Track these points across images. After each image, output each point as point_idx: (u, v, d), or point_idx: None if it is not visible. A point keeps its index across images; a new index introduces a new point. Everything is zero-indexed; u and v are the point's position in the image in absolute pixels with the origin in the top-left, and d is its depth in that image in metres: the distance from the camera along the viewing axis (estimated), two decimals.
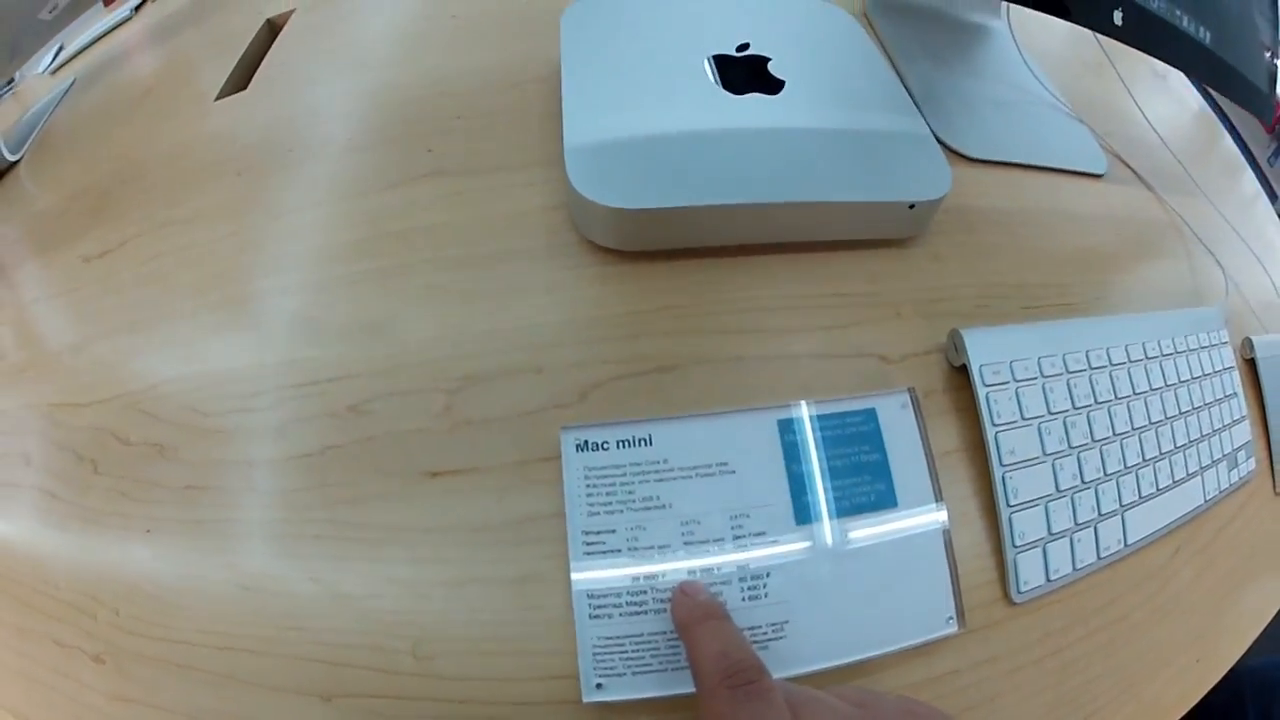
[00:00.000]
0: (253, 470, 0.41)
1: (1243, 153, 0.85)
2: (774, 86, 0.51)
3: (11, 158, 0.95)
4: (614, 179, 0.43)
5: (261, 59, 0.73)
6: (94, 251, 0.59)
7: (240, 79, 0.72)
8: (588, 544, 0.36)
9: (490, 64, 0.58)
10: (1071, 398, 0.45)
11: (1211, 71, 0.61)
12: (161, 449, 0.44)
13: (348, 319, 0.45)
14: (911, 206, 0.47)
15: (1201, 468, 0.50)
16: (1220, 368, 0.55)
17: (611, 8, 0.55)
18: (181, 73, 0.81)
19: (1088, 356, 0.47)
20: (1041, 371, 0.45)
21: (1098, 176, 0.63)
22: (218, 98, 0.69)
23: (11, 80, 1.25)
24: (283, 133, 0.59)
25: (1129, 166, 0.66)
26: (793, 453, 0.38)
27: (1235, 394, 0.55)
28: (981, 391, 0.42)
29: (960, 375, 0.44)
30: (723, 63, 0.52)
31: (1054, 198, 0.59)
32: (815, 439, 0.39)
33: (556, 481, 0.38)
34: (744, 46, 0.54)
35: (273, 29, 0.79)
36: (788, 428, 0.39)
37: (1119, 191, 0.63)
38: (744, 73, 0.52)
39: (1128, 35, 0.54)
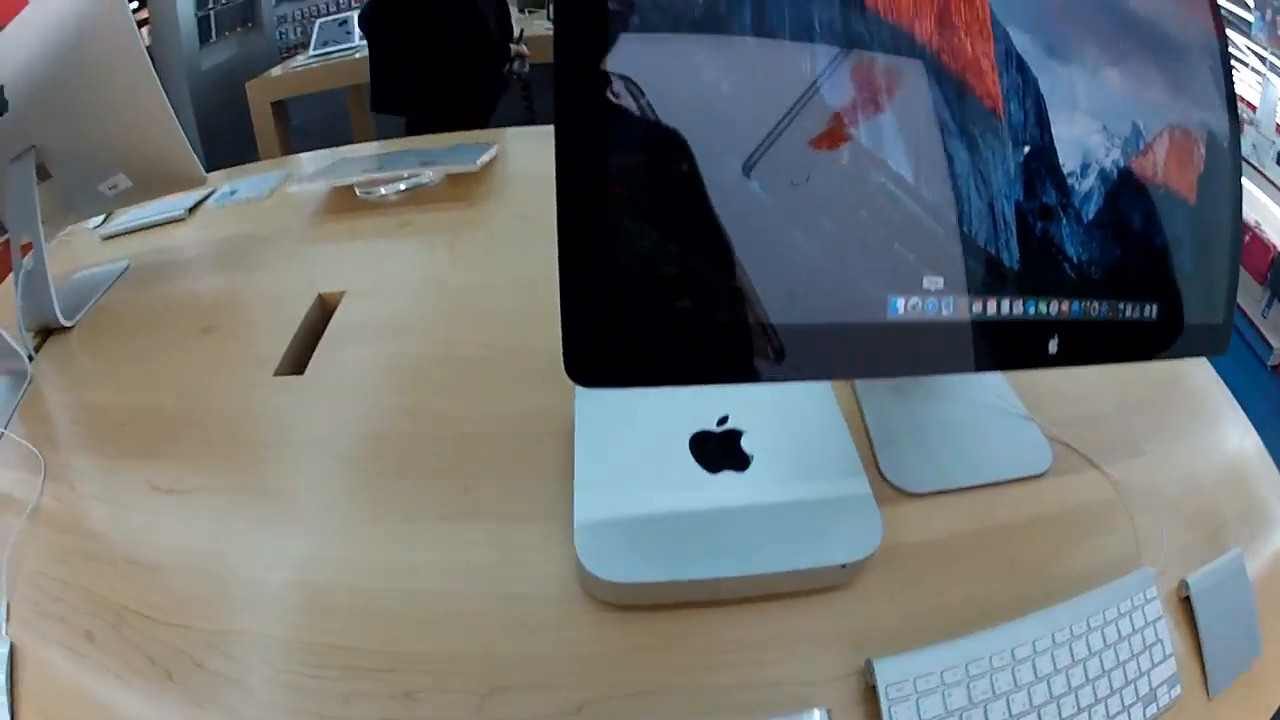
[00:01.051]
0: None
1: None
2: (743, 463, 0.65)
3: (66, 323, 1.10)
4: (614, 557, 0.57)
5: (315, 338, 0.89)
6: (163, 484, 0.73)
7: (296, 358, 0.87)
8: None
9: (517, 411, 0.73)
10: (969, 696, 0.54)
11: (1159, 342, 0.69)
12: (239, 683, 0.55)
13: (405, 625, 0.58)
14: (843, 566, 0.59)
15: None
16: (1146, 622, 0.62)
17: None
18: (242, 327, 0.97)
19: (990, 659, 0.56)
20: (942, 680, 0.54)
21: (1039, 476, 0.74)
22: (276, 373, 0.84)
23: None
24: (338, 436, 0.75)
25: (1076, 451, 0.76)
26: None
27: (1159, 641, 0.62)
28: (885, 704, 0.52)
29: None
30: (702, 440, 0.66)
31: (990, 514, 0.69)
32: None
33: None
34: (724, 420, 0.68)
35: (324, 305, 0.95)
36: None
37: (1056, 485, 0.73)
38: (719, 450, 0.66)
39: (1064, 358, 0.63)
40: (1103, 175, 0.61)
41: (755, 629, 0.59)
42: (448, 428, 0.75)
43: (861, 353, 0.54)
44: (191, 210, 1.42)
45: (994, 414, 0.78)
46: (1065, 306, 0.60)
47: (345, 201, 1.28)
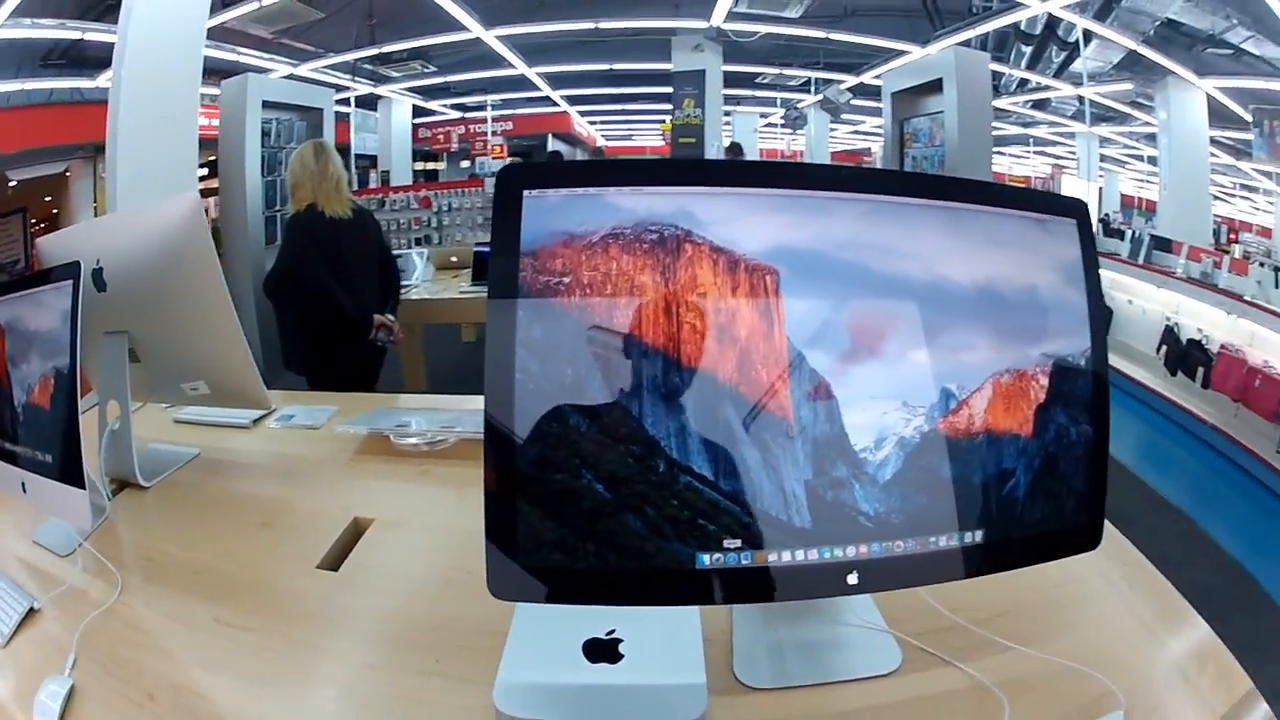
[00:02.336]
0: None
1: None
2: (616, 659, 0.84)
3: (144, 483, 1.47)
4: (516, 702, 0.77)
5: (349, 549, 1.21)
6: (224, 619, 1.04)
7: (333, 560, 1.18)
8: None
9: (481, 615, 0.94)
10: None
11: (995, 558, 0.84)
12: None
13: None
14: None
15: None
16: None
17: None
18: (293, 529, 1.32)
19: None
20: None
21: (886, 675, 0.88)
22: (318, 566, 1.16)
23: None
24: (360, 621, 1.05)
25: (929, 652, 0.91)
26: None
27: None
28: None
29: None
30: (592, 643, 0.84)
31: (829, 703, 0.85)
32: None
33: None
34: (611, 631, 0.86)
35: (358, 526, 1.30)
36: None
37: (904, 682, 0.88)
38: (602, 649, 0.84)
39: (866, 586, 0.80)
40: (901, 443, 0.77)
41: None
42: (430, 621, 1.02)
43: (684, 589, 0.76)
44: (255, 422, 1.82)
45: (851, 629, 0.93)
46: (864, 549, 0.78)
47: (381, 445, 1.64)
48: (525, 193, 0.74)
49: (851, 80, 9.52)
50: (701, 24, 7.94)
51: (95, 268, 1.42)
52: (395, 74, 10.30)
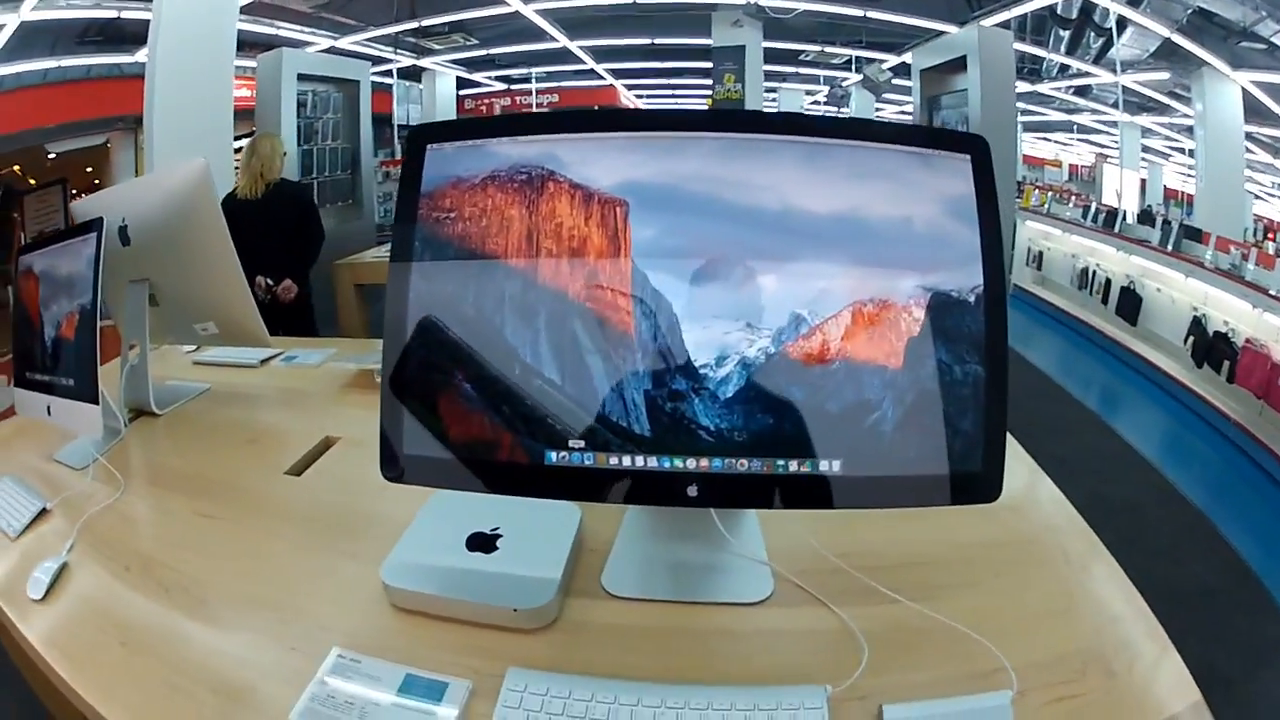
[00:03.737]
0: None
1: None
2: (491, 550, 0.98)
3: (157, 411, 1.70)
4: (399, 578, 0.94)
5: (314, 460, 1.44)
6: (203, 511, 1.22)
7: (300, 467, 1.39)
8: None
9: (408, 513, 1.08)
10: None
11: (862, 492, 0.83)
12: (203, 604, 1.00)
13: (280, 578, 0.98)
14: (515, 610, 0.88)
15: None
16: None
17: None
18: (273, 444, 1.53)
19: (639, 701, 0.77)
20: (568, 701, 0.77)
21: (755, 604, 0.92)
22: (285, 472, 1.38)
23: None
24: (306, 514, 1.24)
25: (804, 588, 0.94)
26: None
27: None
28: (501, 705, 0.77)
29: None
30: (475, 536, 1.00)
31: (689, 620, 0.91)
32: None
33: None
34: (495, 529, 1.01)
35: (327, 442, 1.52)
36: None
37: (772, 613, 0.92)
38: (481, 541, 1.00)
39: (706, 501, 0.84)
40: (744, 362, 0.83)
41: (467, 636, 0.90)
42: (362, 517, 1.18)
43: (536, 482, 0.86)
44: (262, 362, 2.11)
45: (731, 558, 0.97)
46: (705, 463, 0.84)
47: (366, 379, 1.87)
48: (428, 146, 0.89)
49: (893, 60, 9.42)
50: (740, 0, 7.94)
51: (120, 225, 1.65)
52: (437, 46, 10.43)
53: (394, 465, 0.88)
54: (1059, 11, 7.14)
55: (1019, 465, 1.30)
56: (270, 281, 3.56)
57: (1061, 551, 1.05)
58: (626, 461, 0.84)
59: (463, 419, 0.85)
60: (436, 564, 0.96)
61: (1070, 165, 15.33)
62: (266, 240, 3.50)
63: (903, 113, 15.44)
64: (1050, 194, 9.74)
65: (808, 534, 1.03)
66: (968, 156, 0.85)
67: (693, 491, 0.84)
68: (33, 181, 9.13)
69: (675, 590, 0.95)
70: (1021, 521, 1.12)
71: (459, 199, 0.86)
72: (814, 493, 0.84)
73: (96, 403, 1.36)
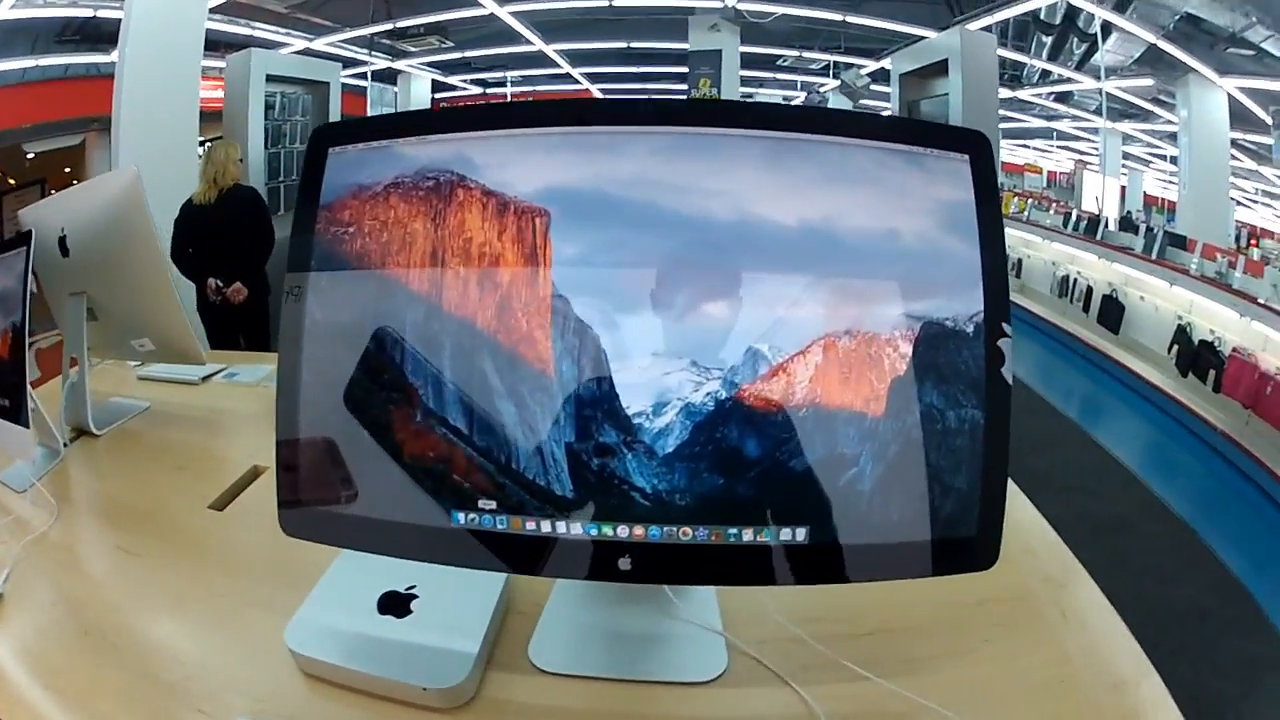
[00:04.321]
0: None
1: None
2: (404, 614, 0.84)
3: (96, 431, 1.61)
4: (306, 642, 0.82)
5: (239, 492, 1.33)
6: (125, 546, 1.16)
7: (225, 500, 1.31)
8: None
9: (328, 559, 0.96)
10: None
11: (824, 564, 0.69)
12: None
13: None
14: (424, 689, 0.75)
15: None
16: None
17: None
18: (202, 473, 1.43)
19: None
20: None
21: (705, 683, 0.78)
22: (209, 506, 1.28)
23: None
24: (226, 555, 1.15)
25: (764, 665, 0.80)
26: None
27: None
28: None
29: None
30: (388, 595, 0.86)
31: (627, 704, 0.77)
32: None
33: None
34: (411, 587, 0.87)
35: (255, 472, 1.40)
36: None
37: (724, 695, 0.78)
38: (395, 602, 0.85)
39: (641, 576, 0.70)
40: (688, 410, 0.68)
41: (378, 712, 0.78)
42: (278, 562, 1.05)
43: (440, 546, 0.72)
44: (204, 379, 2.04)
45: (680, 625, 0.83)
46: (639, 530, 0.69)
47: None
48: (330, 150, 0.74)
49: (871, 65, 9.34)
50: (718, 4, 7.83)
51: (60, 235, 1.60)
52: (412, 49, 10.25)
53: (291, 520, 0.76)
54: (1042, 17, 7.07)
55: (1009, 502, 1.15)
56: (220, 284, 3.63)
57: (1058, 608, 0.92)
58: (546, 527, 0.70)
59: (359, 468, 0.71)
60: (342, 628, 0.83)
61: (1049, 172, 15.33)
62: (219, 243, 3.61)
63: None
64: (1030, 201, 9.71)
65: (768, 596, 0.89)
66: (966, 156, 0.69)
67: (625, 564, 0.70)
68: (12, 181, 9.24)
69: (612, 666, 0.80)
70: (1013, 573, 0.98)
71: (359, 210, 0.72)
72: (773, 567, 0.69)
73: (28, 426, 1.31)
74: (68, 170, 9.50)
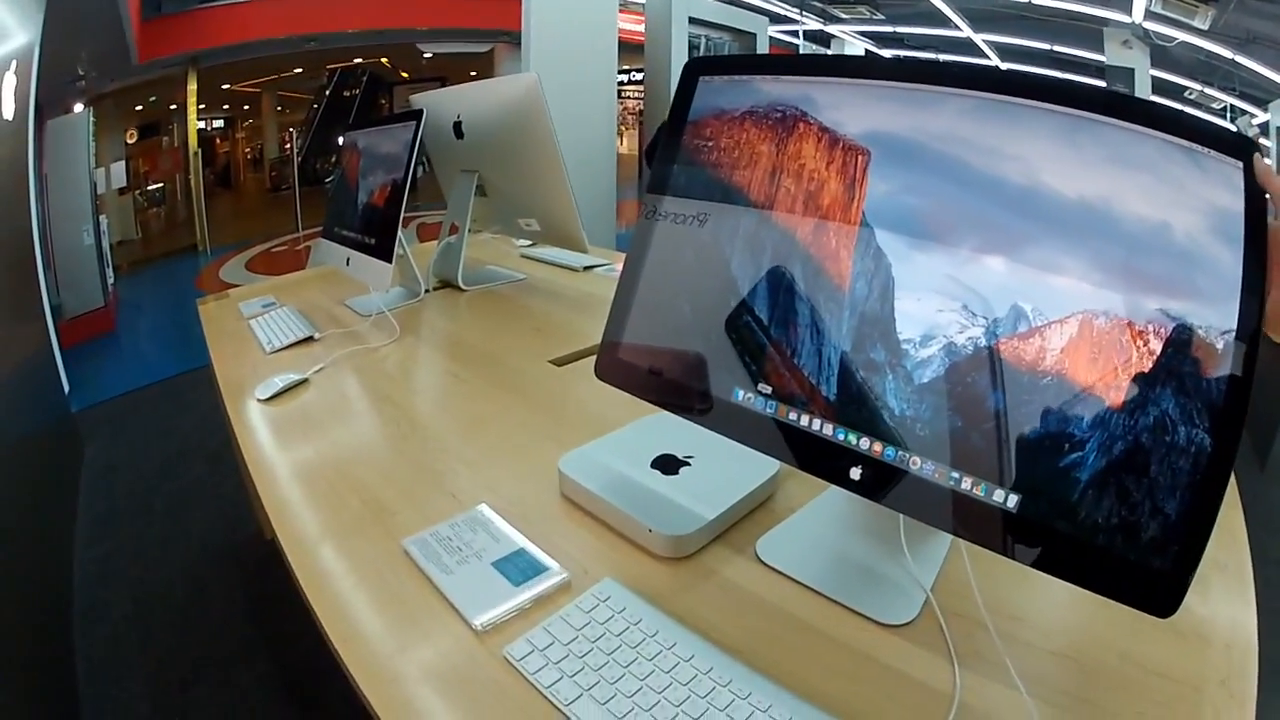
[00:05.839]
0: None
1: None
2: (674, 472, 1.02)
3: (463, 286, 1.95)
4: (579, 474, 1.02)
5: (580, 358, 1.52)
6: (453, 371, 1.42)
7: (567, 360, 1.51)
8: None
9: (625, 418, 1.17)
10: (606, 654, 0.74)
11: (1021, 539, 0.68)
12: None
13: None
14: (650, 530, 0.91)
15: None
16: None
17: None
18: (554, 337, 1.73)
19: (692, 662, 0.74)
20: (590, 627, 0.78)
21: (895, 626, 0.81)
22: (549, 361, 1.50)
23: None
24: (542, 401, 1.45)
25: (943, 632, 0.80)
26: None
27: None
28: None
29: None
30: (662, 457, 1.05)
31: (807, 614, 0.83)
32: None
33: None
34: (689, 455, 1.05)
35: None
36: None
37: (898, 646, 0.79)
38: (667, 462, 1.04)
39: (866, 490, 0.76)
40: (949, 348, 0.73)
41: (604, 540, 0.95)
42: (595, 410, 1.29)
43: (718, 415, 0.88)
44: (585, 269, 2.23)
45: (899, 572, 0.87)
46: (878, 446, 0.76)
47: None
48: (701, 78, 0.95)
49: (1262, 116, 8.09)
50: (1126, 18, 7.27)
51: (456, 120, 1.90)
52: (843, 15, 10.28)
53: (604, 368, 0.97)
54: None
55: (1229, 586, 0.89)
56: None
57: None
58: (804, 421, 0.82)
59: (674, 339, 0.91)
60: (612, 466, 1.02)
61: None
62: None
63: None
64: None
65: (981, 577, 0.85)
66: (1239, 164, 0.64)
67: (855, 474, 0.77)
68: (405, 75, 10.36)
69: (822, 580, 0.88)
70: (1198, 658, 0.78)
71: (719, 129, 0.91)
72: (977, 523, 0.70)
73: (390, 261, 1.58)
74: (473, 74, 10.23)
